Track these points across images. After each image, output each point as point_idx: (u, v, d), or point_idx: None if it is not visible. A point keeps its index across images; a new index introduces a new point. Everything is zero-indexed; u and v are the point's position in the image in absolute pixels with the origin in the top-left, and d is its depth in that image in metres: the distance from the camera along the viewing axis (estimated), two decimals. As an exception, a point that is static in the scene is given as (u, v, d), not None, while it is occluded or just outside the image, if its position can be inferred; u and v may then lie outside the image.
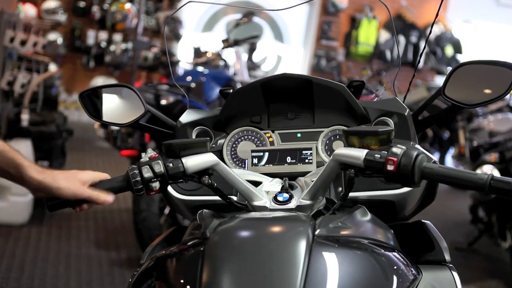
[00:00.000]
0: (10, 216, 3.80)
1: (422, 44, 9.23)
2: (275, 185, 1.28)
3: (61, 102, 7.28)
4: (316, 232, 1.02)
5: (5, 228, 3.75)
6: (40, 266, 3.28)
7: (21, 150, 1.22)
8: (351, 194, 1.21)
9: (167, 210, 3.34)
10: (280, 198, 1.21)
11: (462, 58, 9.25)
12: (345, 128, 1.29)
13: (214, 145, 1.43)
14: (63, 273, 3.24)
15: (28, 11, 7.60)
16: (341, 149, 1.11)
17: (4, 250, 3.44)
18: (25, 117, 4.05)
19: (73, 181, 1.17)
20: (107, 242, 3.79)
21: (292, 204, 1.19)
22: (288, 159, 1.36)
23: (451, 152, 6.45)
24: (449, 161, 6.55)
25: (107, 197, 1.18)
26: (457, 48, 9.34)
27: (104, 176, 1.21)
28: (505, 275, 3.85)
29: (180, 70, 5.13)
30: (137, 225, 3.31)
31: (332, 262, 0.96)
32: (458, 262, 3.77)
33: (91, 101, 1.38)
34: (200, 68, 4.45)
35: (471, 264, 4.02)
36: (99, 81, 7.98)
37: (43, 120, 4.24)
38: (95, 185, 1.20)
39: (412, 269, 1.06)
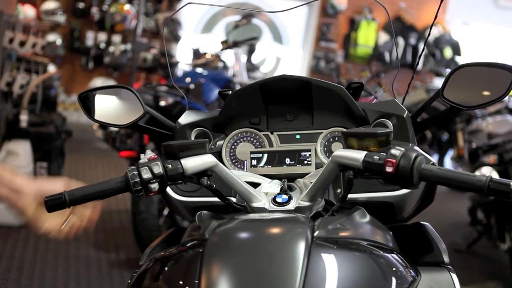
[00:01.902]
0: (9, 217, 3.79)
1: (421, 46, 9.24)
2: (274, 186, 1.28)
3: (60, 103, 7.27)
4: (315, 234, 1.02)
5: (4, 229, 3.75)
6: (39, 267, 3.28)
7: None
8: (350, 196, 1.21)
9: (166, 211, 3.34)
10: (279, 200, 1.20)
11: (461, 60, 9.25)
12: (344, 129, 1.29)
13: (213, 147, 1.43)
14: (62, 274, 3.23)
15: (27, 12, 7.60)
16: (340, 151, 1.11)
17: (3, 251, 3.44)
18: (24, 118, 4.05)
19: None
20: (106, 243, 3.79)
21: (291, 206, 1.18)
22: (287, 161, 1.36)
23: (450, 154, 6.45)
24: (448, 163, 6.55)
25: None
26: (456, 50, 9.35)
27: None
28: (504, 277, 3.85)
29: (179, 71, 5.13)
30: (136, 226, 3.30)
31: (331, 264, 0.96)
32: (457, 264, 3.77)
33: (90, 102, 1.38)
34: (199, 70, 4.44)
35: (470, 266, 4.02)
36: (98, 82, 7.98)
37: (42, 121, 4.24)
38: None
39: (410, 270, 1.06)
